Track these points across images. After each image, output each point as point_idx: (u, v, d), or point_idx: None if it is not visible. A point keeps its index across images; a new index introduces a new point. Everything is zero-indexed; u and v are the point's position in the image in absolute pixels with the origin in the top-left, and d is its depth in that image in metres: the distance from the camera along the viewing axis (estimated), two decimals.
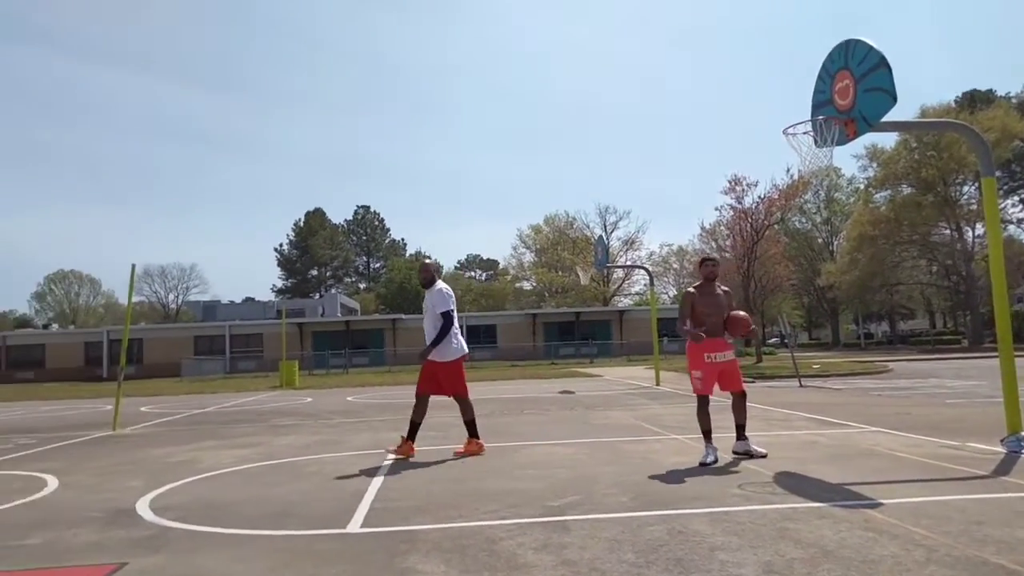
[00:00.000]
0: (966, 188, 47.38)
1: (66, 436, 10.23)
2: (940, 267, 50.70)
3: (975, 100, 52.75)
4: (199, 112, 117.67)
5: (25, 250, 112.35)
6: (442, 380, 6.90)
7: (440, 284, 6.90)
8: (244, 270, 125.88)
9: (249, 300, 69.01)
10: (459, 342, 6.93)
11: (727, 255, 31.49)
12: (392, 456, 6.79)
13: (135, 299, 11.42)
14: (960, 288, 49.05)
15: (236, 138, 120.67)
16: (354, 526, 4.26)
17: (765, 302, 31.24)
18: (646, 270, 24.18)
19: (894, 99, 5.97)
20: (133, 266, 11.55)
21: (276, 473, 6.34)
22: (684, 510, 4.32)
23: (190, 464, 7.04)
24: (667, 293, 70.47)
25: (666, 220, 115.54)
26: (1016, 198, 55.13)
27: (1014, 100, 52.18)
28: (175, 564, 3.60)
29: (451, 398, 7.01)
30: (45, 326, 63.09)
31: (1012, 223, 53.73)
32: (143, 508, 4.96)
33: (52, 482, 6.21)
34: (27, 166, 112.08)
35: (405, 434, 6.94)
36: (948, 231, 48.32)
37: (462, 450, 6.93)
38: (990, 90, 56.13)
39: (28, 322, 76.17)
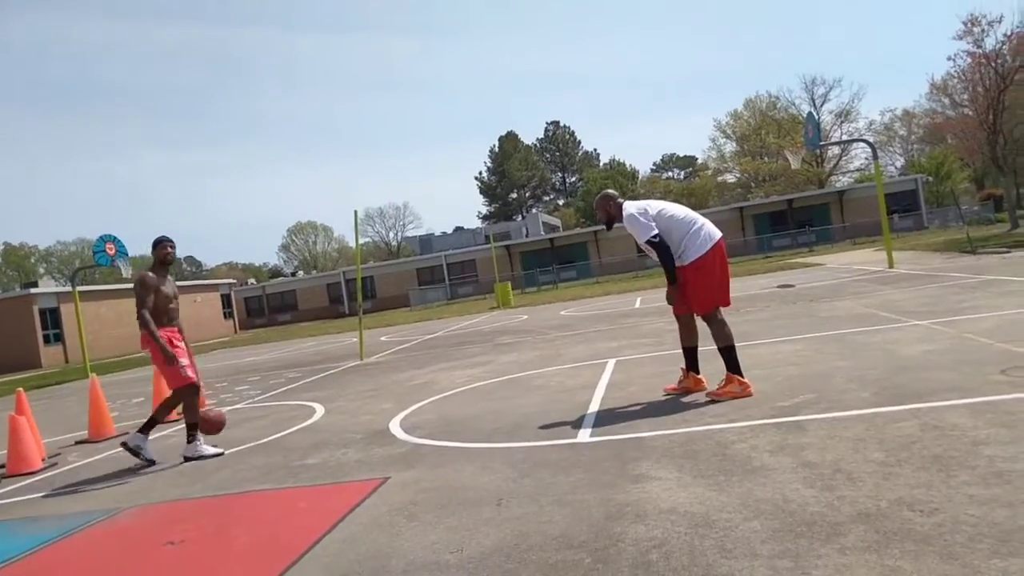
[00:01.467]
0: None
1: (324, 368, 11.64)
2: None
3: None
4: (396, 57, 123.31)
5: (271, 208, 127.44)
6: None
7: (628, 209, 5.26)
8: (451, 202, 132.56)
9: (459, 229, 72.73)
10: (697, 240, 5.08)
11: (966, 111, 27.38)
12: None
13: (361, 240, 12.47)
14: None
15: (425, 79, 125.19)
16: (584, 435, 4.43)
17: (1017, 158, 26.85)
18: (867, 142, 21.76)
19: None
20: (356, 212, 12.59)
21: (505, 389, 6.73)
22: (937, 402, 3.95)
23: (429, 385, 7.70)
24: (893, 165, 63.28)
25: (885, 82, 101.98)
26: None
27: None
28: (428, 477, 3.99)
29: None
30: (293, 274, 71.57)
31: None
32: (395, 428, 5.54)
33: (319, 409, 7.12)
34: (258, 133, 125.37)
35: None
36: None
37: (717, 391, 5.06)
38: None
39: (279, 271, 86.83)
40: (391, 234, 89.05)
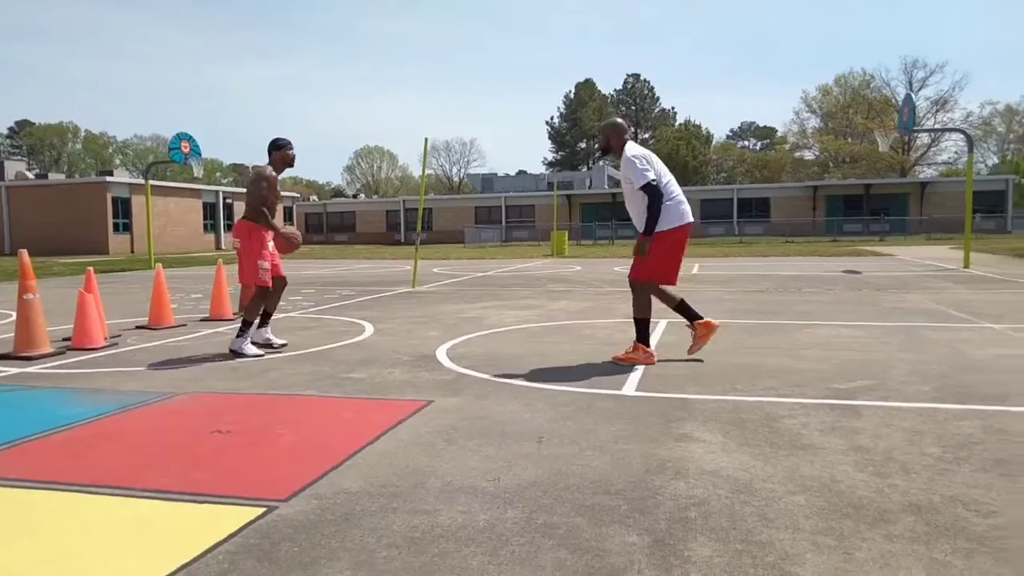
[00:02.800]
0: None
1: (377, 290, 11.82)
2: None
3: None
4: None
5: (342, 129, 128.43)
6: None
7: (631, 150, 5.11)
8: (518, 144, 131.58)
9: (522, 173, 72.21)
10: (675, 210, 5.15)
11: None
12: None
13: (426, 171, 12.43)
14: None
15: (510, 13, 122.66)
16: (629, 389, 4.39)
17: None
18: (964, 133, 20.55)
19: None
20: (426, 140, 12.56)
21: (554, 334, 6.72)
22: (1007, 407, 3.78)
23: (478, 320, 7.74)
24: (984, 162, 60.05)
25: (993, 72, 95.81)
26: None
27: None
28: (471, 406, 4.02)
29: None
30: (355, 196, 72.43)
31: None
32: (442, 355, 5.59)
33: (369, 328, 7.24)
34: (343, 51, 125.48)
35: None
36: None
37: (622, 356, 5.22)
38: None
39: (341, 192, 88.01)
40: (454, 169, 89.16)
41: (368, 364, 5.31)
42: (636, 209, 5.17)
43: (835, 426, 3.51)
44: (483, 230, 46.31)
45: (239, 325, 5.82)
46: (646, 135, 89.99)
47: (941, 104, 56.52)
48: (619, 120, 5.39)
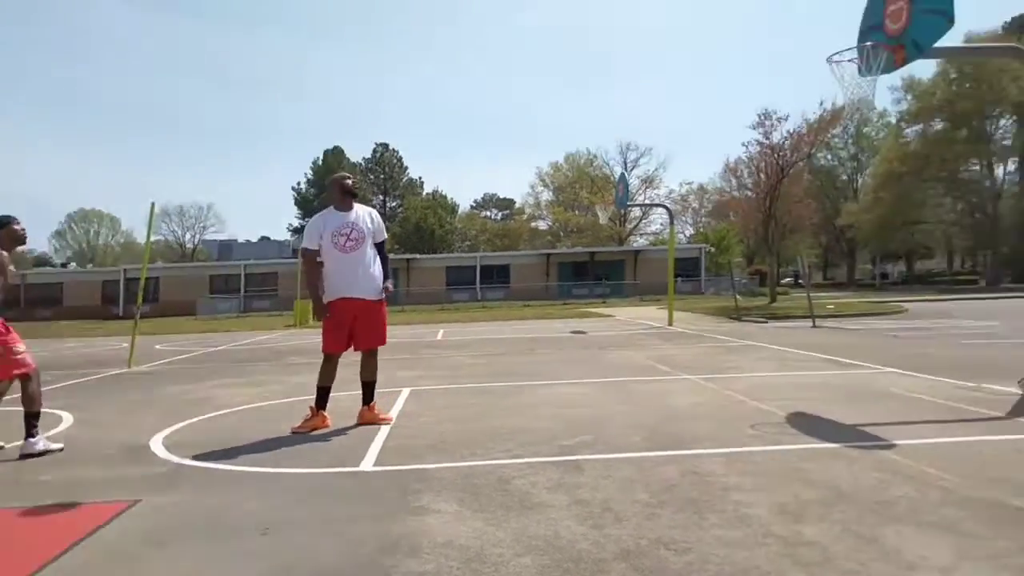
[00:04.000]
0: (1002, 122, 46.17)
1: (83, 373, 10.37)
2: (965, 205, 49.82)
3: None
4: (216, 48, 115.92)
5: (49, 191, 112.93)
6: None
7: (318, 218, 5.55)
8: (261, 210, 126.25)
9: (265, 239, 69.24)
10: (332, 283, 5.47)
11: (748, 193, 30.93)
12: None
13: (153, 237, 11.38)
14: (984, 227, 48.31)
15: (254, 76, 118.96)
16: (367, 464, 4.28)
17: (783, 242, 30.79)
18: (666, 208, 23.86)
19: (951, 21, 5.63)
20: (152, 204, 11.52)
21: (290, 411, 6.38)
22: (697, 450, 4.30)
23: (205, 402, 7.11)
24: (684, 233, 69.83)
25: (688, 157, 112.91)
26: None
27: None
28: (189, 501, 3.63)
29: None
30: (63, 265, 63.75)
31: None
32: (157, 445, 5.01)
33: (68, 419, 6.30)
34: (52, 106, 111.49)
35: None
36: (978, 167, 47.30)
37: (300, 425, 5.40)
38: None
39: (46, 261, 76.98)
40: (188, 235, 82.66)
41: (62, 463, 4.58)
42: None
43: (560, 482, 3.72)
44: (219, 300, 43.18)
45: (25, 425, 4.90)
46: (394, 203, 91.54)
47: (649, 182, 65.25)
48: (345, 180, 5.65)
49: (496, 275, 48.58)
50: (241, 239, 67.98)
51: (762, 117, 27.66)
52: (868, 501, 3.22)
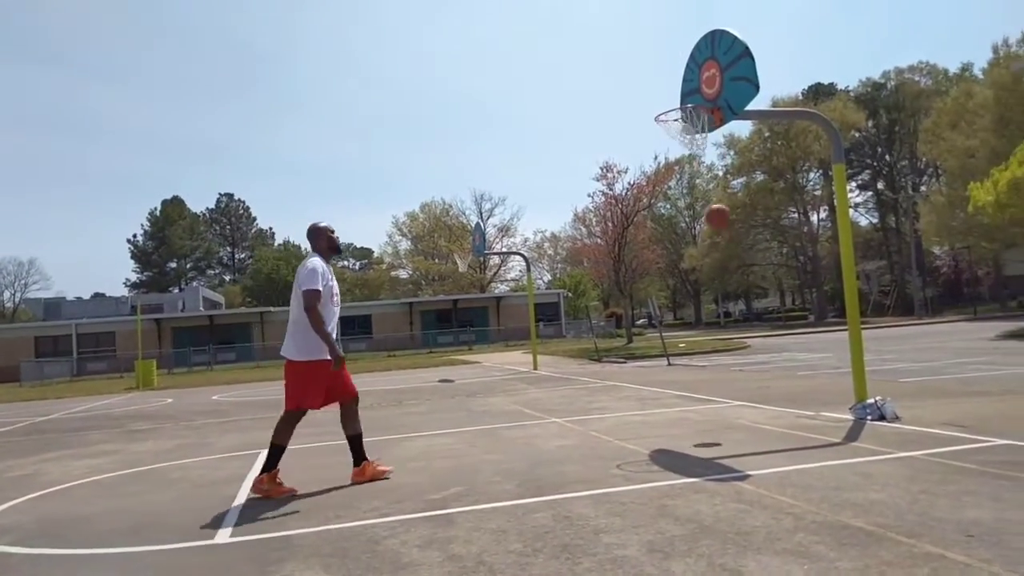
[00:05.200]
0: (811, 175, 51.94)
1: None
2: (789, 248, 55.16)
3: (819, 92, 57.15)
4: (39, 91, 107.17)
5: None
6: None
7: (314, 262, 5.14)
8: (92, 264, 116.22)
9: (99, 296, 63.90)
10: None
11: (599, 241, 32.40)
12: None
13: None
14: (807, 267, 53.59)
15: (81, 121, 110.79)
16: (223, 535, 3.97)
17: (634, 285, 32.43)
18: (523, 256, 24.50)
19: (757, 88, 6.26)
20: None
21: (134, 482, 5.84)
22: (567, 494, 4.34)
23: (33, 478, 6.35)
24: (542, 279, 71.82)
25: (540, 207, 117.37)
26: (853, 184, 60.30)
27: (851, 93, 56.92)
28: None
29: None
30: None
31: (851, 207, 58.89)
32: None
33: None
34: None
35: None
36: (796, 215, 52.61)
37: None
38: (832, 83, 60.86)
39: None
40: (7, 294, 74.93)
41: None
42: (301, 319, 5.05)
43: (433, 538, 3.62)
44: (47, 364, 39.09)
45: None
46: (243, 255, 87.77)
47: (505, 231, 66.83)
48: (327, 227, 5.39)
49: (358, 325, 47.48)
50: (71, 296, 62.10)
51: (604, 169, 29.35)
52: (729, 532, 3.37)
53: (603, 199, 30.15)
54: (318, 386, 5.11)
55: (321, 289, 5.00)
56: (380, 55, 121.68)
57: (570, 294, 51.66)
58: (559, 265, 73.98)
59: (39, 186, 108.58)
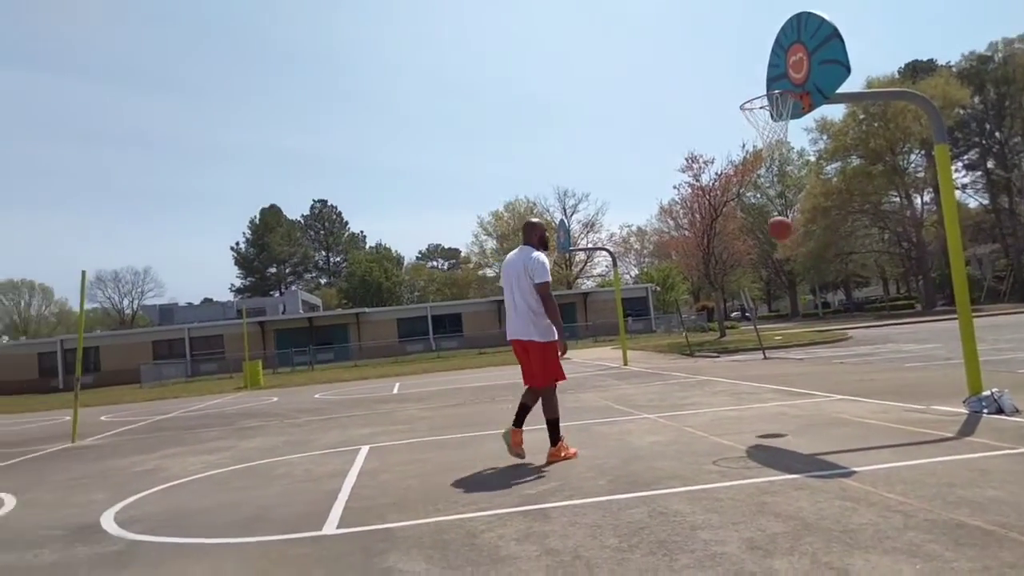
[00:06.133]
0: (912, 157, 48.95)
1: (22, 451, 9.87)
2: (891, 234, 52.22)
3: (917, 70, 54.00)
4: (146, 115, 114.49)
5: None
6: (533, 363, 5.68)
7: (542, 255, 5.68)
8: (201, 271, 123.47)
9: (208, 301, 67.65)
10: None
11: (686, 233, 31.77)
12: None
13: (88, 306, 11.06)
14: (911, 254, 50.61)
15: (183, 140, 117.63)
16: (330, 527, 4.16)
17: (725, 277, 31.59)
18: (608, 251, 24.31)
19: (848, 70, 6.00)
20: (84, 272, 11.19)
21: (245, 477, 6.18)
22: (663, 490, 4.31)
23: (156, 473, 6.83)
24: (629, 273, 71.02)
25: (625, 201, 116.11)
26: (959, 164, 56.63)
27: (954, 69, 53.49)
28: None
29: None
30: None
31: (958, 188, 55.26)
32: (108, 522, 4.78)
33: (10, 501, 5.97)
34: None
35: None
36: (898, 199, 49.77)
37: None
38: (931, 60, 57.40)
39: None
40: (126, 301, 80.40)
41: (6, 548, 4.33)
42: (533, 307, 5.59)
43: (529, 532, 3.68)
44: (164, 366, 41.80)
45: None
46: (338, 258, 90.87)
47: (590, 226, 66.43)
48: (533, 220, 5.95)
49: (448, 324, 48.40)
50: (182, 302, 66.09)
51: (689, 160, 28.69)
52: (834, 530, 3.27)
53: (689, 191, 29.54)
54: (558, 362, 5.66)
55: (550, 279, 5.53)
56: (463, 58, 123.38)
57: (658, 288, 50.86)
58: (646, 259, 72.94)
59: (151, 201, 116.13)
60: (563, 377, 5.70)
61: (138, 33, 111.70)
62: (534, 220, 5.89)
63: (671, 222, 39.69)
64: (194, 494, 5.60)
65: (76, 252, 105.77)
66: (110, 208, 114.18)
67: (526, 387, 5.85)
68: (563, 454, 5.60)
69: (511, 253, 5.84)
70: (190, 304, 64.46)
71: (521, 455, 5.66)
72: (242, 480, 6.05)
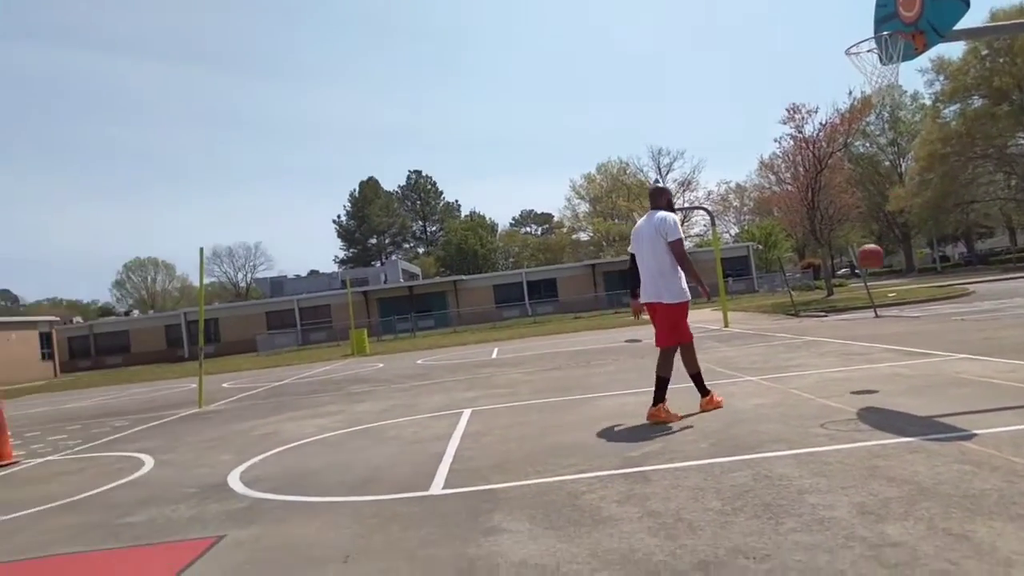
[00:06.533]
0: None
1: (156, 416, 10.74)
2: (1019, 180, 47.96)
3: None
4: (251, 98, 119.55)
5: (104, 241, 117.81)
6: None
7: (672, 217, 5.85)
8: (306, 244, 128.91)
9: (313, 273, 70.60)
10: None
11: (789, 188, 30.40)
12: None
13: (207, 280, 11.89)
14: None
15: (287, 120, 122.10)
16: (436, 488, 4.33)
17: (832, 232, 30.08)
18: (706, 210, 23.62)
19: (967, 3, 5.52)
20: (201, 249, 11.91)
21: (356, 440, 6.50)
22: (767, 453, 4.23)
23: (274, 436, 7.29)
24: (728, 232, 68.89)
25: (722, 157, 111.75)
26: None
27: None
28: (269, 534, 3.73)
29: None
30: (127, 313, 66.04)
31: None
32: (235, 481, 5.17)
33: (148, 461, 6.53)
34: (94, 161, 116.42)
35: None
36: None
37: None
38: None
39: (110, 310, 79.90)
40: (240, 275, 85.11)
41: (148, 504, 4.76)
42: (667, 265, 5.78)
43: (630, 494, 3.71)
44: (277, 336, 44.23)
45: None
46: (434, 228, 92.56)
47: (686, 185, 64.64)
48: (666, 187, 6.33)
49: (544, 290, 48.61)
50: (291, 275, 69.30)
51: (791, 111, 27.25)
52: (953, 496, 3.12)
53: (791, 143, 28.16)
54: (686, 324, 5.89)
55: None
56: (556, 16, 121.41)
57: (760, 246, 49.07)
58: (746, 216, 70.42)
59: (259, 180, 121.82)
60: (689, 339, 5.88)
61: (244, 20, 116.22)
62: (660, 185, 6.19)
63: (772, 177, 37.99)
64: (310, 455, 5.95)
65: (193, 231, 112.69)
66: (223, 187, 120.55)
67: (659, 349, 6.01)
68: (711, 404, 5.89)
69: (640, 220, 5.98)
70: (298, 276, 67.54)
71: (673, 418, 5.68)
72: (354, 442, 6.36)
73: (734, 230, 69.62)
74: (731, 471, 3.94)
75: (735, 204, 71.28)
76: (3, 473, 6.83)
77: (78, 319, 62.61)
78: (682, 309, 5.82)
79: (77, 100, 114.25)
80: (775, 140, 45.97)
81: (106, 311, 79.92)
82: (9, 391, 25.03)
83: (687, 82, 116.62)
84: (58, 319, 49.45)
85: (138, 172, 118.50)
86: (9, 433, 7.67)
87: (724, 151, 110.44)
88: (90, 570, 3.52)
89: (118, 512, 4.62)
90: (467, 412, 7.36)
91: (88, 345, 50.88)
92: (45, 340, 41.68)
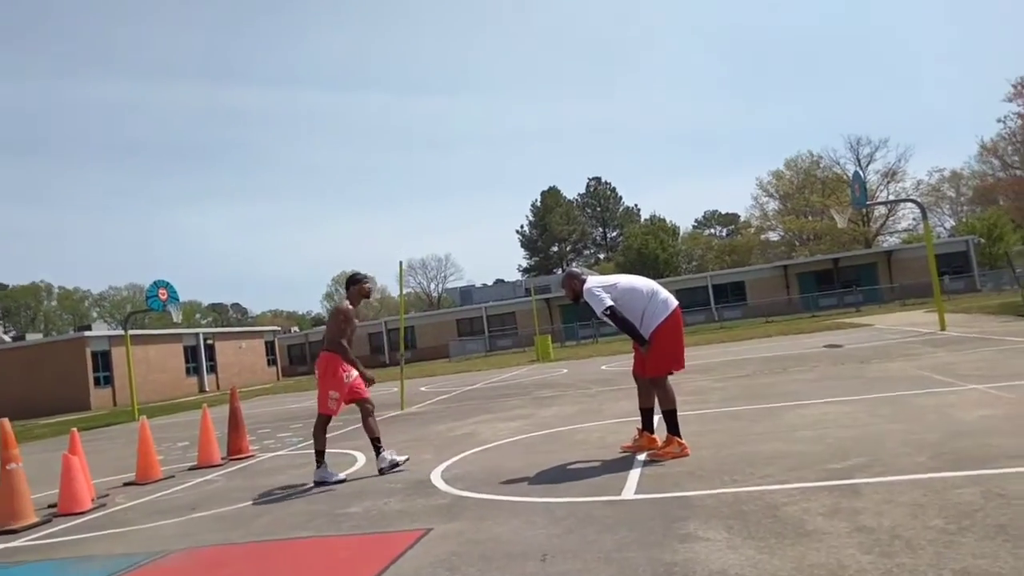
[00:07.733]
0: None
1: None
2: None
3: None
4: (435, 116, 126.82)
5: (318, 259, 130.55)
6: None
7: (588, 284, 5.57)
8: (491, 254, 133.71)
9: (499, 282, 73.17)
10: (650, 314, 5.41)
11: (1017, 172, 26.85)
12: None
13: (404, 291, 12.80)
14: None
15: (470, 135, 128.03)
16: (628, 493, 4.35)
17: None
18: (915, 202, 21.45)
19: None
20: (401, 262, 12.84)
21: (548, 443, 6.68)
22: (999, 470, 3.80)
23: (471, 437, 7.67)
24: (943, 225, 62.09)
25: (933, 143, 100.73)
26: None
27: None
28: (472, 530, 3.96)
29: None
30: None
31: None
32: (437, 479, 5.52)
33: (361, 458, 7.15)
34: (303, 185, 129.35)
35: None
36: None
37: (658, 452, 5.38)
38: None
39: (322, 320, 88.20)
40: (432, 285, 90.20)
41: (363, 496, 5.22)
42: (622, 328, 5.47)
43: (837, 508, 3.50)
44: (467, 342, 46.34)
45: (315, 458, 6.04)
46: (614, 233, 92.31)
47: (891, 175, 58.96)
48: (571, 270, 6.04)
49: (731, 293, 46.75)
50: (478, 284, 72.36)
51: (1019, 87, 24.04)
52: None
53: (1020, 123, 24.86)
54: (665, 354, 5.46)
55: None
56: (742, 3, 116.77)
57: (983, 240, 43.68)
58: (964, 208, 63.05)
59: (443, 191, 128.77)
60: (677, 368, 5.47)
61: (423, 42, 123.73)
62: (570, 270, 6.01)
63: (995, 162, 33.77)
64: (504, 456, 6.20)
65: (392, 245, 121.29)
66: (414, 201, 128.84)
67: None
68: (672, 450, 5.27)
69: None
70: (484, 285, 70.33)
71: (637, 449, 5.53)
72: (545, 445, 6.55)
73: (949, 223, 62.66)
74: (955, 487, 3.58)
75: (950, 194, 64.10)
76: (242, 465, 7.80)
77: (295, 329, 69.71)
78: (656, 335, 5.33)
79: (269, 129, 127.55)
80: (999, 120, 40.88)
81: (318, 321, 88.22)
82: (243, 392, 28.46)
83: (892, 61, 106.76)
84: (279, 329, 55.47)
85: (342, 191, 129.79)
86: (247, 430, 8.76)
87: (936, 136, 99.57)
88: (318, 553, 3.94)
89: (339, 502, 5.12)
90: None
91: (304, 352, 56.49)
92: (269, 348, 46.84)
